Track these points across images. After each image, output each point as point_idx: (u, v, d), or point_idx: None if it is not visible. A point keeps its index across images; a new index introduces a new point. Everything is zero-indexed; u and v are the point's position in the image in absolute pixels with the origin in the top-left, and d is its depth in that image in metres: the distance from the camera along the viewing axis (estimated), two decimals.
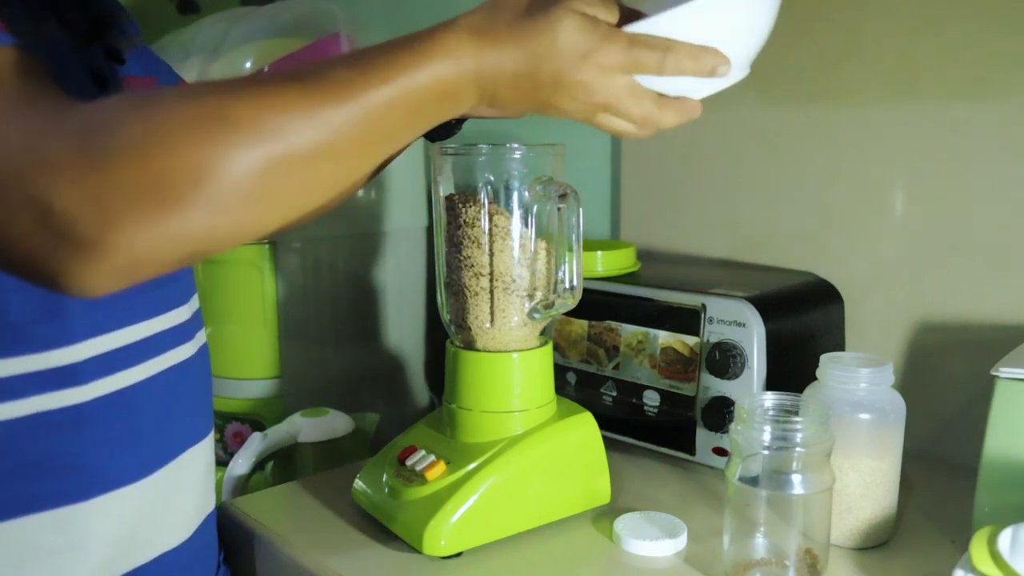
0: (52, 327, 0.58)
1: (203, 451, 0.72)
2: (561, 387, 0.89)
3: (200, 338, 0.74)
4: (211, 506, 0.75)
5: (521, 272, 0.74)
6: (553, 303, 0.74)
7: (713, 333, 0.85)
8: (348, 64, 0.49)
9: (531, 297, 0.74)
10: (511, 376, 0.74)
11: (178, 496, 0.68)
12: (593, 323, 0.95)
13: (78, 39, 0.61)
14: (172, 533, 0.68)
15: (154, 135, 0.43)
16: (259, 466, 1.00)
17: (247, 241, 0.48)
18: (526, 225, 0.73)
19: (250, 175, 0.44)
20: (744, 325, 0.83)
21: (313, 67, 0.48)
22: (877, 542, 0.72)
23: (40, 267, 0.44)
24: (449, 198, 0.75)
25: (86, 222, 0.42)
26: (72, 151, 0.43)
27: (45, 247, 0.43)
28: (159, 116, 0.44)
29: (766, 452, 0.64)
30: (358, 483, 0.79)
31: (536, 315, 0.74)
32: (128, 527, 0.64)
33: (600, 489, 0.78)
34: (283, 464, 1.03)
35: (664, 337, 0.89)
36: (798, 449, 0.64)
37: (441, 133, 0.70)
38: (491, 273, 0.73)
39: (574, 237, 0.71)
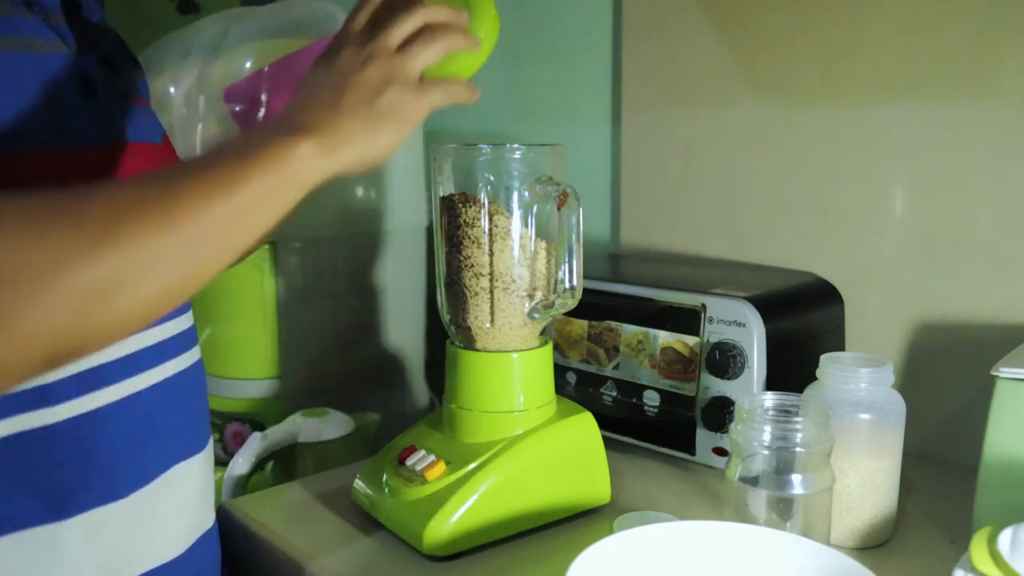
0: None
1: (195, 467, 0.70)
2: (561, 387, 0.89)
3: (195, 353, 0.72)
4: (208, 523, 0.73)
5: (521, 272, 0.74)
6: (553, 303, 0.74)
7: (713, 333, 0.85)
8: (187, 172, 0.50)
9: (531, 297, 0.74)
10: (511, 376, 0.74)
11: (166, 514, 0.67)
12: (593, 323, 0.95)
13: (73, 47, 0.61)
14: (162, 551, 0.67)
15: (33, 240, 0.43)
16: (259, 466, 0.99)
17: (124, 334, 0.48)
18: (526, 225, 0.73)
19: (104, 279, 0.45)
20: (744, 325, 0.83)
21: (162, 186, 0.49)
22: (877, 542, 0.72)
23: None
24: (449, 198, 0.75)
25: None
26: None
27: None
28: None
29: (766, 452, 0.64)
30: (358, 483, 0.79)
31: (536, 315, 0.74)
32: (112, 546, 0.62)
33: (600, 489, 0.78)
34: (283, 464, 1.03)
35: (664, 337, 0.89)
36: (798, 449, 0.64)
37: None
38: (491, 273, 0.73)
39: (574, 237, 0.71)
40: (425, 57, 0.61)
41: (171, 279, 0.48)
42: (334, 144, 0.56)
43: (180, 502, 0.68)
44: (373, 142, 0.58)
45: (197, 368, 0.73)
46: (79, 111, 0.61)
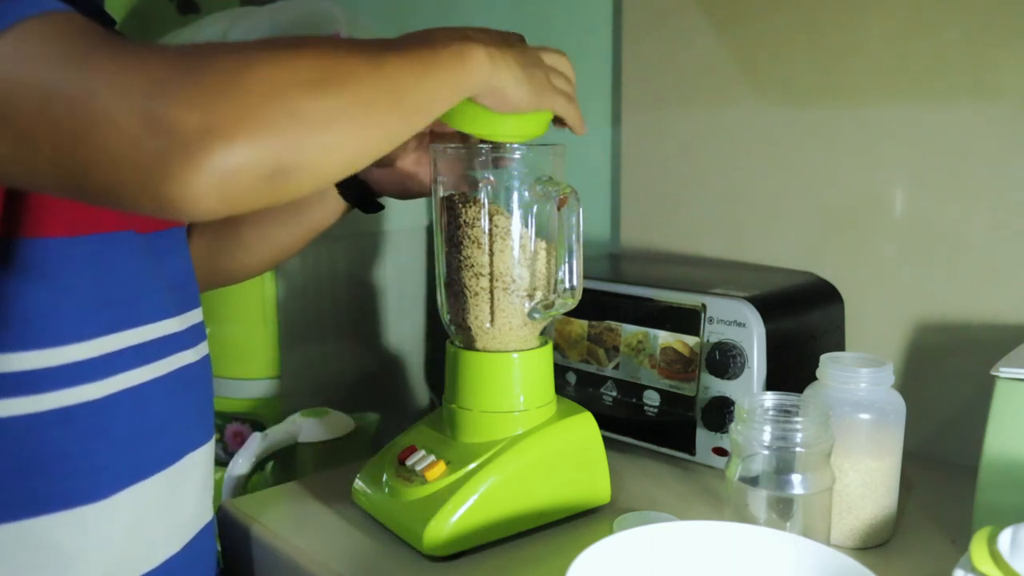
0: (66, 323, 0.59)
1: (202, 458, 0.72)
2: (561, 387, 0.89)
3: (204, 347, 0.75)
4: (208, 517, 0.74)
5: (521, 272, 0.74)
6: (553, 303, 0.74)
7: (713, 333, 0.85)
8: (389, 48, 0.56)
9: (531, 297, 0.74)
10: (511, 376, 0.74)
11: (175, 502, 0.68)
12: (593, 323, 0.95)
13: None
14: (168, 540, 0.68)
15: (246, 66, 0.48)
16: (259, 466, 1.00)
17: (325, 173, 0.52)
18: (526, 225, 0.73)
19: (325, 110, 0.50)
20: (744, 325, 0.83)
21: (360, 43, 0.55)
22: (877, 542, 0.72)
23: (143, 176, 0.46)
24: (449, 198, 0.75)
25: (190, 125, 0.45)
26: (174, 70, 0.46)
27: (149, 153, 0.45)
28: (249, 55, 0.49)
29: (766, 452, 0.64)
30: (358, 483, 0.79)
31: (536, 315, 0.74)
32: (131, 529, 0.64)
33: (600, 489, 0.78)
34: (283, 464, 1.03)
35: (664, 337, 0.89)
36: (798, 449, 0.64)
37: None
38: (491, 273, 0.73)
39: (574, 237, 0.71)
40: (564, 89, 0.69)
41: (368, 131, 0.54)
42: (498, 64, 0.62)
43: (188, 490, 0.70)
44: (518, 86, 0.64)
45: (206, 362, 0.75)
46: None
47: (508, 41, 0.66)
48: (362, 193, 0.86)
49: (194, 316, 0.73)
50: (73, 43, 0.48)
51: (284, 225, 0.88)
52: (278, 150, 0.48)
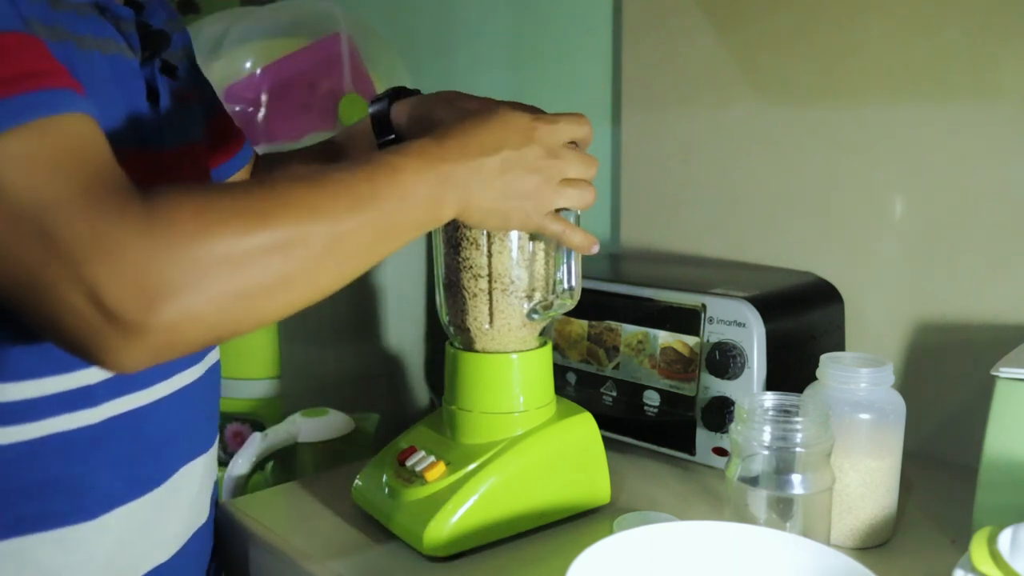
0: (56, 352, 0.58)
1: (201, 466, 0.71)
2: (561, 387, 0.89)
3: (213, 356, 0.74)
4: (202, 520, 0.74)
5: (520, 273, 0.74)
6: (552, 304, 0.74)
7: (713, 333, 0.85)
8: (358, 179, 0.55)
9: (530, 298, 0.74)
10: (510, 377, 0.74)
11: (168, 514, 0.68)
12: (593, 323, 0.95)
13: (138, 53, 0.63)
14: (156, 551, 0.67)
15: (205, 232, 0.47)
16: (259, 466, 0.99)
17: (268, 321, 0.52)
18: None
19: (279, 267, 0.49)
20: (744, 325, 0.83)
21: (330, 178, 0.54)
22: (877, 542, 0.72)
23: (81, 342, 0.46)
24: None
25: (134, 308, 0.45)
26: (130, 240, 0.45)
27: (90, 326, 0.45)
28: (211, 213, 0.48)
29: (766, 452, 0.64)
30: (358, 483, 0.79)
31: (535, 316, 0.74)
32: (117, 546, 0.63)
33: (600, 489, 0.78)
34: (283, 464, 1.03)
35: (664, 337, 0.89)
36: (798, 449, 0.64)
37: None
38: (490, 274, 0.73)
39: None
40: (580, 191, 0.66)
41: (346, 258, 0.54)
42: (472, 210, 0.61)
43: (183, 499, 0.69)
44: (497, 220, 0.63)
45: (213, 371, 0.74)
46: (146, 115, 0.63)
47: (529, 134, 0.63)
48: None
49: None
50: (53, 182, 0.46)
51: None
52: (224, 318, 0.48)
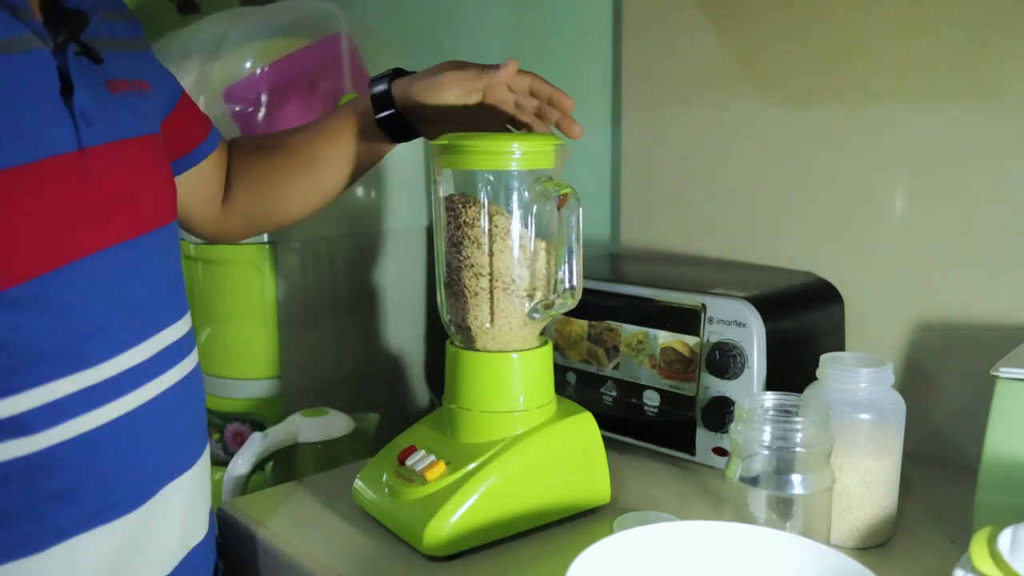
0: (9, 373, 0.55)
1: (186, 482, 0.67)
2: (561, 387, 0.89)
3: (188, 363, 0.69)
4: (199, 536, 0.71)
5: (521, 272, 0.74)
6: (553, 303, 0.74)
7: (713, 333, 0.85)
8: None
9: (531, 297, 0.74)
10: (511, 376, 0.74)
11: (154, 536, 0.64)
12: (593, 323, 0.95)
13: (48, 40, 0.58)
14: (149, 573, 0.64)
15: None
16: (259, 466, 1.00)
17: None
18: (526, 225, 0.73)
19: None
20: (744, 325, 0.83)
21: None
22: (877, 542, 0.72)
23: None
24: (449, 198, 0.75)
25: None
26: None
27: None
28: None
29: (766, 452, 0.64)
30: (358, 483, 0.79)
31: (536, 315, 0.74)
32: (99, 573, 0.60)
33: (600, 489, 0.78)
34: (283, 464, 1.03)
35: (664, 337, 0.89)
36: (798, 449, 0.64)
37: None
38: (491, 273, 0.73)
39: (574, 237, 0.71)
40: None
41: None
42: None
43: (171, 518, 0.66)
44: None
45: (194, 375, 0.70)
46: (55, 113, 0.58)
47: None
48: (402, 125, 0.83)
49: (176, 331, 0.67)
50: None
51: (330, 168, 0.86)
52: None
